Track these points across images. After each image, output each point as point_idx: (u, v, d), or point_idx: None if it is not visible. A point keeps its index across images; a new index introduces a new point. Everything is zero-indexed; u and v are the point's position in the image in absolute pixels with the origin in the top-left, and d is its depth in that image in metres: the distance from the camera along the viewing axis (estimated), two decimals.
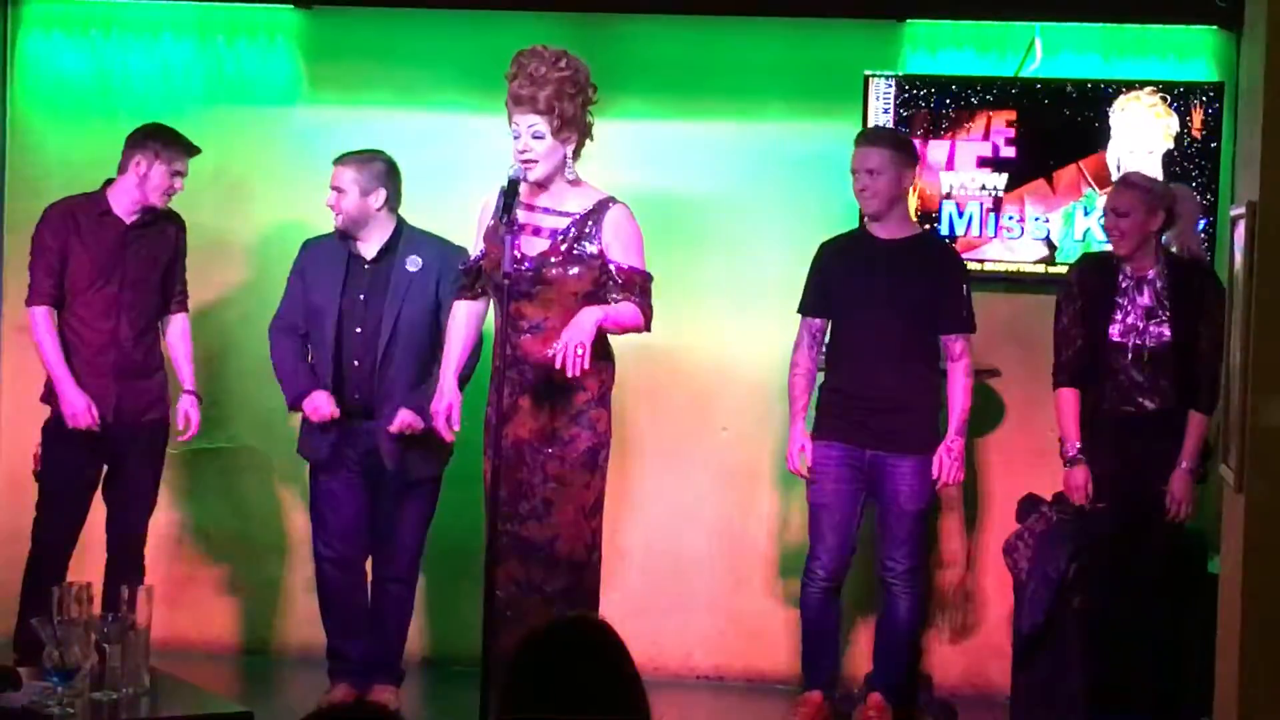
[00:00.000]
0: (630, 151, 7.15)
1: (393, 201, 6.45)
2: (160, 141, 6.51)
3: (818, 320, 6.46)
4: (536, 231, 5.72)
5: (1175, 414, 6.20)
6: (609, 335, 5.77)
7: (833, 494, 6.36)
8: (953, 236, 6.92)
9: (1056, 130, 6.84)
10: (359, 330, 6.40)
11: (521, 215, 5.69)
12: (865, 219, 6.50)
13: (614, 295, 5.73)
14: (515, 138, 5.77)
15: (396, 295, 6.37)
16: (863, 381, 6.31)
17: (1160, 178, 6.61)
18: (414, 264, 6.39)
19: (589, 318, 5.61)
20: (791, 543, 6.67)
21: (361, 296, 6.41)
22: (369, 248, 6.45)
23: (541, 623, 3.05)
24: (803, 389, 6.45)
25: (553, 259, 5.71)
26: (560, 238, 5.74)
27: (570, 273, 5.72)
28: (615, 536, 7.16)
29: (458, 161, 7.00)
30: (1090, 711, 6.25)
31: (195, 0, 7.28)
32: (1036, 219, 6.88)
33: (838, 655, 6.55)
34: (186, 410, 6.63)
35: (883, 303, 6.31)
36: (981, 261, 6.90)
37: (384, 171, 6.43)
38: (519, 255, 5.62)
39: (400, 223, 6.48)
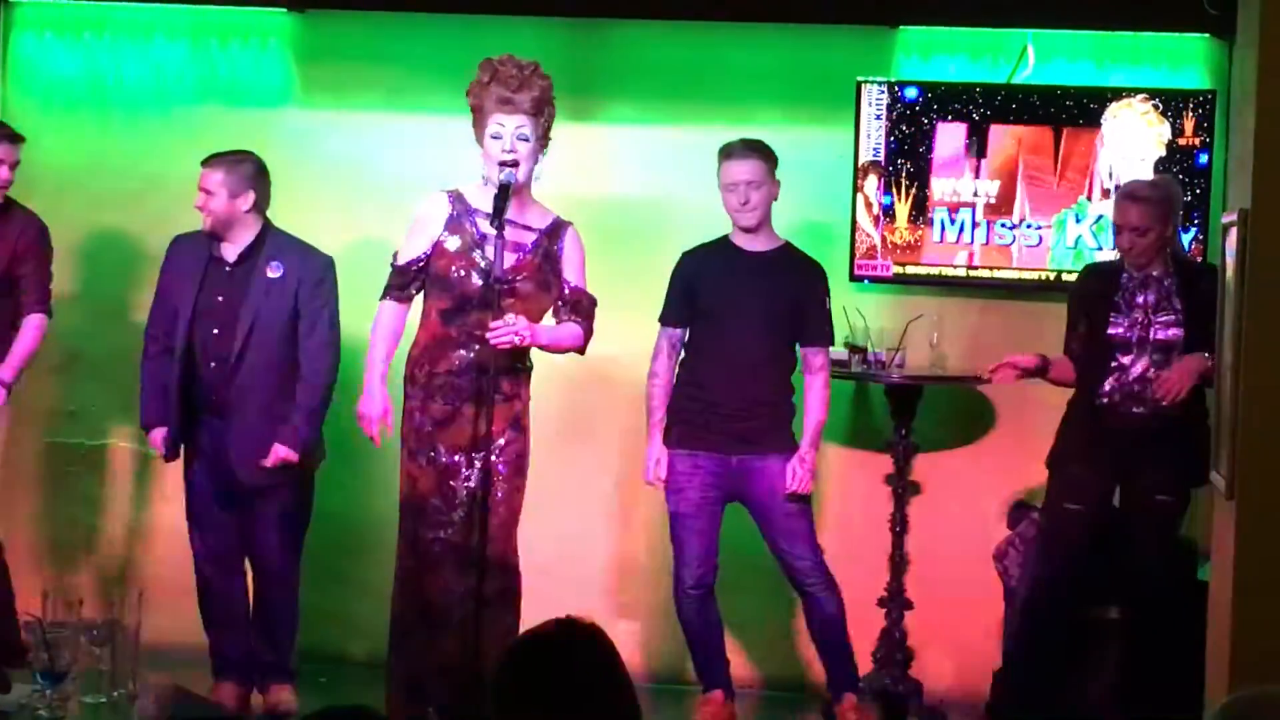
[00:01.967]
0: (622, 157, 7.16)
1: (261, 204, 6.41)
2: None
3: (678, 330, 6.45)
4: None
5: (1180, 425, 6.12)
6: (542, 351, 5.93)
7: (696, 503, 6.36)
8: (944, 244, 6.92)
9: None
10: (216, 331, 6.34)
11: (484, 225, 5.75)
12: (735, 230, 6.42)
13: (564, 313, 5.89)
14: (496, 139, 5.82)
15: (254, 299, 6.31)
16: (727, 389, 6.31)
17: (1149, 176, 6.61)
18: (275, 270, 6.35)
19: (542, 332, 5.83)
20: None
21: (220, 298, 6.35)
22: (232, 249, 6.39)
23: (533, 627, 3.05)
24: (660, 399, 6.43)
25: (525, 273, 5.79)
26: (528, 254, 5.81)
27: (539, 291, 5.84)
28: (615, 542, 7.17)
29: (449, 165, 6.98)
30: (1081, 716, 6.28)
31: (187, 3, 7.27)
32: (1029, 225, 6.89)
33: (725, 653, 6.52)
34: None
35: (749, 313, 6.31)
36: (973, 269, 6.91)
37: (253, 173, 6.38)
38: (486, 266, 5.69)
39: (266, 226, 6.43)
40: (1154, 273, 6.21)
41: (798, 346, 6.40)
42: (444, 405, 5.81)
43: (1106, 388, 6.20)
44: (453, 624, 5.70)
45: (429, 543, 5.79)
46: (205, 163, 6.38)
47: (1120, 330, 6.19)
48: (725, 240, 6.47)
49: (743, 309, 6.32)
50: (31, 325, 6.56)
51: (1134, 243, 6.17)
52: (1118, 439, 6.19)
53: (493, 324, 5.64)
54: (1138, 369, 6.18)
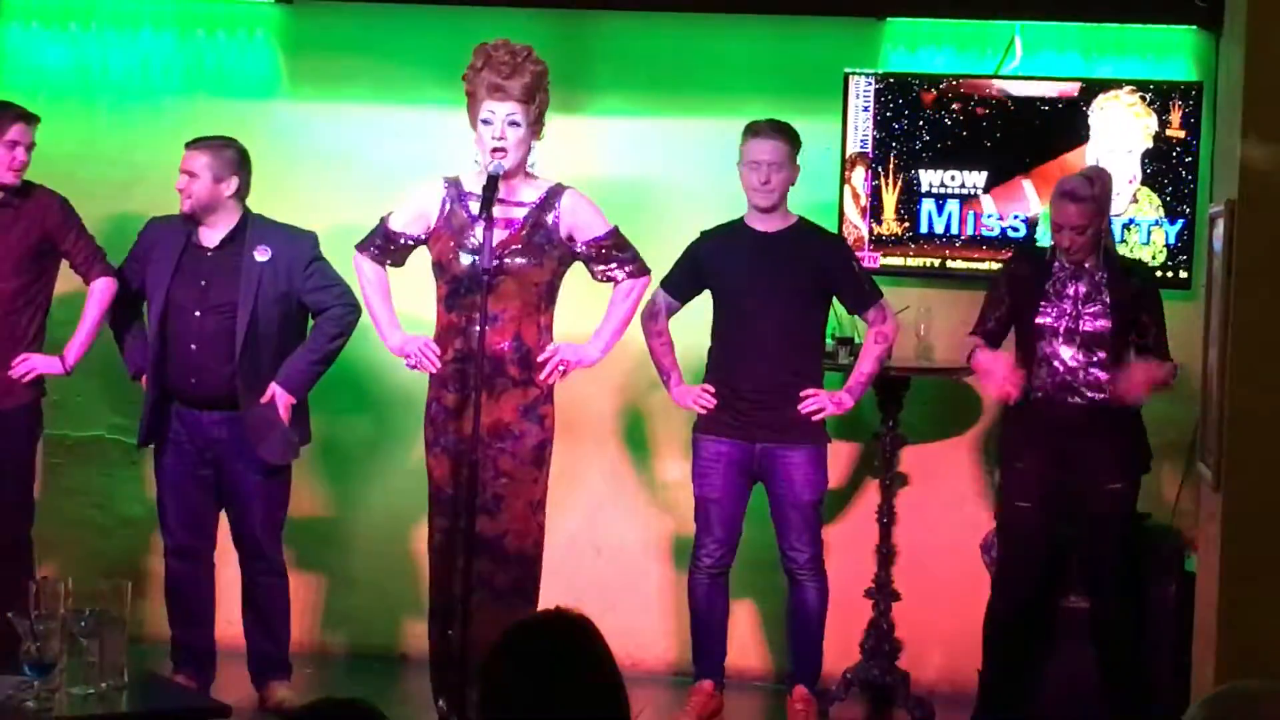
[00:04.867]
0: (609, 148, 7.16)
1: (243, 191, 6.41)
2: None
3: (677, 302, 6.45)
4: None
5: (1112, 412, 6.15)
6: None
7: (721, 488, 6.38)
8: (931, 235, 6.93)
9: (1035, 129, 6.86)
10: (198, 314, 6.32)
11: (475, 208, 5.76)
12: (750, 211, 6.43)
13: (605, 267, 5.94)
14: (487, 124, 5.82)
15: (250, 285, 6.30)
16: (748, 375, 6.32)
17: (1103, 168, 6.57)
18: (263, 254, 6.34)
19: (592, 351, 5.97)
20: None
21: (203, 282, 6.34)
22: (213, 235, 6.38)
23: (521, 619, 3.06)
24: (667, 353, 6.42)
25: (514, 246, 5.80)
26: (519, 228, 5.81)
27: (532, 263, 5.80)
28: (594, 531, 7.16)
29: (436, 156, 6.98)
30: (1064, 708, 6.29)
31: None
32: (1015, 216, 6.90)
33: (725, 642, 6.54)
34: (35, 360, 6.46)
35: (766, 295, 6.31)
36: (960, 260, 6.92)
37: (237, 160, 6.39)
38: (474, 247, 5.70)
39: (246, 212, 6.42)
40: (1086, 264, 6.22)
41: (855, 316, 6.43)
42: (454, 394, 5.79)
43: (1039, 381, 6.21)
44: (469, 614, 5.60)
45: (445, 533, 5.77)
46: (190, 145, 6.38)
47: (1049, 319, 6.20)
48: (740, 222, 6.46)
49: (759, 292, 6.32)
50: (95, 293, 6.52)
51: (1074, 240, 6.15)
52: (1057, 432, 6.19)
53: (539, 359, 5.78)
54: (1066, 359, 6.18)
